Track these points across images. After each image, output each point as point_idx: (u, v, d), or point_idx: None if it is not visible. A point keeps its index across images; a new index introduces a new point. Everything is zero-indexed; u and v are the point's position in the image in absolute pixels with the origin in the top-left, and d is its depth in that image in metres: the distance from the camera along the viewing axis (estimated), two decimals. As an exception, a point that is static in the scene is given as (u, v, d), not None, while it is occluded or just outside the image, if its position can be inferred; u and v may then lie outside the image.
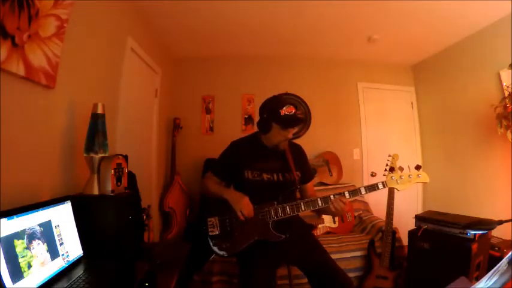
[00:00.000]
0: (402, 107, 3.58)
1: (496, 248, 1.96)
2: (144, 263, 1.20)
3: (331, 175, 3.18)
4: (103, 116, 1.34)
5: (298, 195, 1.65)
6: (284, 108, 1.43)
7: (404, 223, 2.21)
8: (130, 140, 2.20)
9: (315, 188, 2.75)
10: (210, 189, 1.55)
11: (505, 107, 2.05)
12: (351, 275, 2.15)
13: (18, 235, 0.83)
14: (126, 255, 1.18)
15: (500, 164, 2.39)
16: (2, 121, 0.98)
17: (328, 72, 3.50)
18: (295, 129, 1.53)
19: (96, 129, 1.30)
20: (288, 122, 1.44)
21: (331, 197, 1.40)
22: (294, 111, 1.45)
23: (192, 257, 2.12)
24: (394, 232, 2.14)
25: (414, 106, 3.58)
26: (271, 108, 1.46)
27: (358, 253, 2.28)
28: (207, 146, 3.18)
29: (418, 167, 1.40)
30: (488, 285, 0.52)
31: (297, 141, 1.72)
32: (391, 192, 2.12)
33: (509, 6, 2.19)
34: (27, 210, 0.90)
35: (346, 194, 1.40)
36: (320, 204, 1.41)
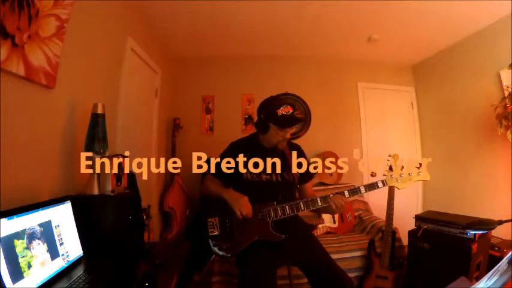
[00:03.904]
0: (402, 107, 3.58)
1: (496, 248, 1.95)
2: (144, 263, 1.19)
3: (331, 175, 3.18)
4: (103, 116, 1.34)
5: (297, 195, 1.65)
6: (281, 108, 1.43)
7: (404, 223, 2.21)
8: (131, 140, 2.20)
9: (315, 188, 2.76)
10: (210, 190, 1.56)
11: (505, 107, 2.05)
12: (351, 275, 2.14)
13: (18, 235, 0.83)
14: (126, 255, 1.18)
15: (500, 164, 2.39)
16: (2, 121, 0.98)
17: (328, 72, 3.50)
18: (293, 129, 1.53)
19: (96, 129, 1.30)
20: (285, 122, 1.44)
21: (330, 194, 1.40)
22: (291, 111, 1.44)
23: (192, 257, 2.12)
24: (394, 232, 2.13)
25: (414, 106, 3.57)
26: (268, 108, 1.46)
27: (358, 253, 2.28)
28: (207, 146, 3.17)
29: (418, 165, 1.40)
30: (488, 285, 0.52)
31: (296, 141, 1.72)
32: (391, 192, 2.11)
33: (509, 6, 2.19)
34: (27, 210, 0.90)
35: (346, 193, 1.41)
36: (320, 204, 1.41)
